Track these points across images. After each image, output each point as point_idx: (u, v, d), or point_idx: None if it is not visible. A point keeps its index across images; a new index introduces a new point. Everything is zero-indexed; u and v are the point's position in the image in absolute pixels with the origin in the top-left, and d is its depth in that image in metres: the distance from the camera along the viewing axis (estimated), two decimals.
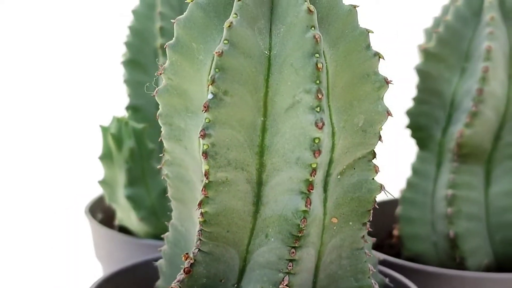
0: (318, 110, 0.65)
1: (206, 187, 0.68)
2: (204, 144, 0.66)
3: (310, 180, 0.67)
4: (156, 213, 1.00)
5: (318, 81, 0.65)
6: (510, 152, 1.01)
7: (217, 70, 0.65)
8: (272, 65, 0.67)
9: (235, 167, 0.68)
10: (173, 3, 1.13)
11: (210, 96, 0.65)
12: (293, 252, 0.70)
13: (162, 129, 0.74)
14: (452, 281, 0.96)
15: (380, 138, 0.72)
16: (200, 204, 0.69)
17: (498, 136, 1.01)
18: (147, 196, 0.99)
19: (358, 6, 0.70)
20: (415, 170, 1.07)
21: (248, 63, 0.66)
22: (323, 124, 0.65)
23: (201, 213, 0.70)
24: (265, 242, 0.71)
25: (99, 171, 1.07)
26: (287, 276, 0.70)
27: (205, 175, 0.68)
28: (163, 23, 1.10)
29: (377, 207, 0.74)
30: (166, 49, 0.70)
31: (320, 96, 0.65)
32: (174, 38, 0.70)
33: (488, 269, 1.02)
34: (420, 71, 1.03)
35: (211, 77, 0.65)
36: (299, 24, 0.66)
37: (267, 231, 0.71)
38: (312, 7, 0.65)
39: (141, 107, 1.14)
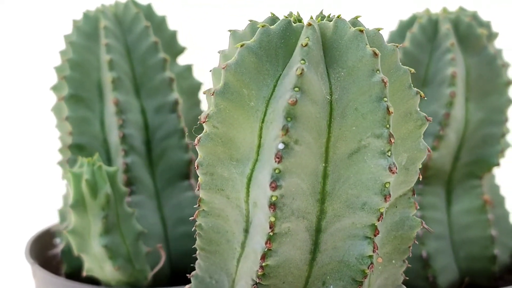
0: (390, 155, 0.64)
1: (270, 239, 0.65)
2: (273, 196, 0.63)
3: (376, 224, 0.66)
4: (131, 261, 0.94)
5: (388, 125, 0.64)
6: (468, 172, 1.06)
7: (289, 119, 0.62)
8: (334, 110, 0.65)
9: (297, 216, 0.66)
10: (117, 34, 1.07)
11: (281, 146, 0.62)
12: None
13: (200, 179, 0.69)
14: None
15: (419, 175, 0.72)
16: (264, 258, 0.66)
17: (457, 157, 1.05)
18: (123, 243, 0.93)
19: (399, 46, 0.70)
20: None
21: (314, 109, 0.64)
22: (396, 168, 0.64)
23: (261, 267, 0.66)
24: None
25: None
26: None
27: (270, 227, 0.65)
28: (111, 55, 1.03)
29: None
30: (213, 96, 0.66)
31: (392, 141, 0.64)
32: (222, 84, 0.66)
33: (455, 285, 1.07)
34: None
35: (283, 127, 0.62)
36: (363, 68, 0.64)
37: (324, 278, 0.69)
38: (377, 50, 0.64)
39: (86, 145, 1.06)
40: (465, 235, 1.06)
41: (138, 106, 1.06)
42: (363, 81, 0.65)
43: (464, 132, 1.04)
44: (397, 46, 0.69)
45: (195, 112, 1.13)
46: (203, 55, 1.19)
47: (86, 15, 1.09)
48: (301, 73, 0.62)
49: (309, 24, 0.65)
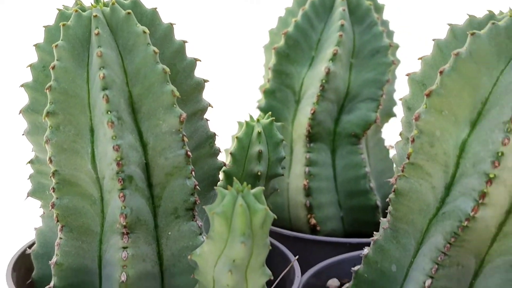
0: None
1: None
2: None
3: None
4: None
5: None
6: (349, 130, 1.16)
7: None
8: None
9: None
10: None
11: None
12: None
13: None
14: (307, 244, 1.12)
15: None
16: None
17: (339, 116, 1.17)
18: None
19: None
20: None
21: None
22: None
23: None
24: None
25: None
26: None
27: None
28: None
29: None
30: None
31: None
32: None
33: (337, 234, 1.18)
34: None
35: None
36: None
37: None
38: None
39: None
40: (348, 188, 1.18)
41: None
42: None
43: (346, 93, 1.16)
44: None
45: None
46: None
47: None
48: None
49: None
